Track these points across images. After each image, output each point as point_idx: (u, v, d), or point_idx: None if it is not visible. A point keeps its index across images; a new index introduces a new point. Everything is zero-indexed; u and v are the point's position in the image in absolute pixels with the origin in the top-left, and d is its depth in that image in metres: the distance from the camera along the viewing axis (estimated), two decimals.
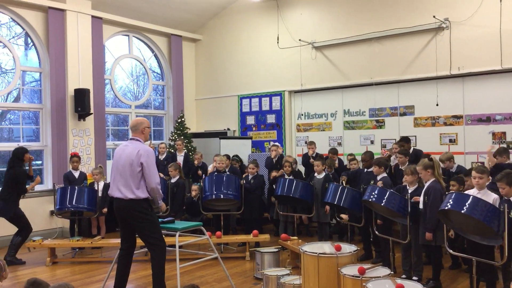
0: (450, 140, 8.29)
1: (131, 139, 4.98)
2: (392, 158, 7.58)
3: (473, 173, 4.80)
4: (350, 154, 8.31)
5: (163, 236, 4.99)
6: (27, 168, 7.11)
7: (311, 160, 8.01)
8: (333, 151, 8.47)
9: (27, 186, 7.05)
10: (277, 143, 9.19)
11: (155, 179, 4.79)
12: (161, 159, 8.84)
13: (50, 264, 6.82)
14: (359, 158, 7.43)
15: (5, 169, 7.13)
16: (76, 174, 7.88)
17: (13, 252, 6.88)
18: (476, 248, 4.82)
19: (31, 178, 7.18)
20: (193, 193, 7.97)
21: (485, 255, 4.67)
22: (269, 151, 8.98)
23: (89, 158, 9.26)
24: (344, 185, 6.69)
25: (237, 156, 9.21)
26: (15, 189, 6.88)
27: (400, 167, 6.90)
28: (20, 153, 6.96)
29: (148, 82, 11.11)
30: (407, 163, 6.75)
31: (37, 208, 8.51)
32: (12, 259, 6.81)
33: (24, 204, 7.17)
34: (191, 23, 11.40)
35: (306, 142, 9.18)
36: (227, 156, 8.56)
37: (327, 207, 6.99)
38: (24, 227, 6.98)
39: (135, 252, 5.24)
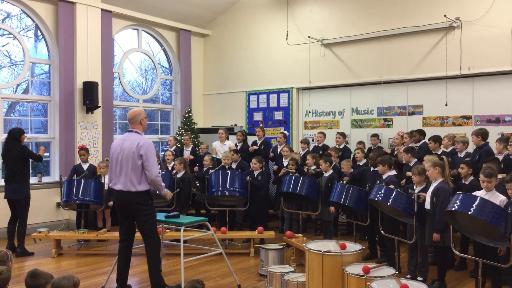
0: None
1: (129, 131, 4.96)
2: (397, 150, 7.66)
3: (481, 177, 4.77)
4: (360, 143, 8.36)
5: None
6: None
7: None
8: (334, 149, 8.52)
9: (39, 154, 7.09)
10: (285, 131, 9.32)
11: (154, 171, 4.79)
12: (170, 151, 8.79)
13: (56, 256, 6.86)
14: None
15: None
16: (85, 166, 7.89)
17: (22, 245, 6.91)
18: (482, 249, 4.79)
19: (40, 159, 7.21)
20: (205, 163, 8.11)
21: (491, 257, 4.64)
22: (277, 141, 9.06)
23: (96, 151, 9.29)
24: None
25: (243, 131, 9.42)
26: (26, 166, 6.90)
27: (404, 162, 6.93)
28: (17, 133, 6.94)
29: (156, 77, 11.12)
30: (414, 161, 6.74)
31: (43, 200, 8.55)
32: (23, 251, 6.86)
33: (31, 196, 7.18)
34: (200, 18, 11.39)
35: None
36: (242, 132, 9.07)
37: (332, 208, 6.91)
38: (25, 212, 6.97)
39: (139, 246, 5.28)
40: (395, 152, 7.70)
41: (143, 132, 5.00)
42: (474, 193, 4.79)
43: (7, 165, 6.96)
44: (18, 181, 6.87)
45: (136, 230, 5.06)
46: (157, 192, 5.07)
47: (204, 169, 8.11)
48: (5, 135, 8.21)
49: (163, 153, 9.11)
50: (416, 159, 6.75)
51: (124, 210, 4.93)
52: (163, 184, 4.98)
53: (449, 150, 7.08)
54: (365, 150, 8.22)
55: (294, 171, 7.49)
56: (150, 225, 4.89)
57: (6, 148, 6.93)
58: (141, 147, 4.74)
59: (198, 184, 8.18)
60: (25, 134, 7.08)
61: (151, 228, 4.90)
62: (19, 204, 6.93)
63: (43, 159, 7.32)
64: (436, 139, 7.27)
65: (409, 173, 6.22)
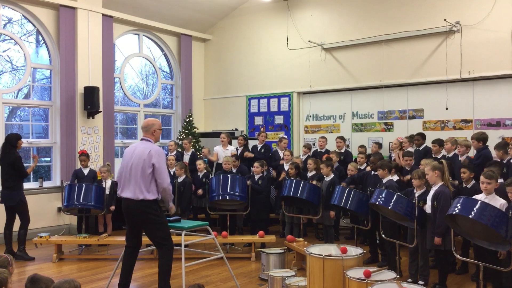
0: None
1: (142, 139, 4.97)
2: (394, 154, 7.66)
3: (482, 178, 4.77)
4: (362, 147, 8.37)
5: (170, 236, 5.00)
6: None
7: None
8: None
9: (27, 169, 7.01)
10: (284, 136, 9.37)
11: (166, 180, 4.79)
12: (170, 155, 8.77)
13: (57, 261, 6.86)
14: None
15: None
16: (86, 171, 7.91)
17: (22, 247, 6.91)
18: (483, 253, 4.79)
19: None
20: (199, 167, 8.16)
21: (492, 260, 4.63)
22: (277, 145, 9.07)
23: (97, 156, 9.30)
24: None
25: (245, 135, 9.43)
26: (17, 175, 6.87)
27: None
28: (13, 139, 6.93)
29: (157, 81, 11.15)
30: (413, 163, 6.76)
31: (44, 205, 8.56)
32: (23, 255, 6.86)
33: (32, 200, 7.20)
34: (201, 23, 11.42)
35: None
36: (243, 137, 9.08)
37: (332, 212, 6.93)
38: (25, 216, 6.98)
39: (141, 250, 5.27)
40: (393, 157, 7.69)
41: (155, 142, 4.97)
42: (474, 197, 4.80)
43: (2, 169, 6.97)
44: (10, 188, 6.85)
45: (143, 234, 5.05)
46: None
47: (200, 174, 8.10)
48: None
49: None
50: (413, 163, 6.77)
51: (132, 218, 4.90)
52: (171, 195, 4.98)
53: (450, 154, 7.02)
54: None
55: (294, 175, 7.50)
56: (161, 233, 4.84)
57: (3, 153, 6.94)
58: (152, 156, 4.72)
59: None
60: (22, 140, 7.06)
61: (163, 235, 4.85)
62: (17, 210, 6.95)
63: (33, 169, 7.25)
64: (440, 142, 7.25)
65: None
